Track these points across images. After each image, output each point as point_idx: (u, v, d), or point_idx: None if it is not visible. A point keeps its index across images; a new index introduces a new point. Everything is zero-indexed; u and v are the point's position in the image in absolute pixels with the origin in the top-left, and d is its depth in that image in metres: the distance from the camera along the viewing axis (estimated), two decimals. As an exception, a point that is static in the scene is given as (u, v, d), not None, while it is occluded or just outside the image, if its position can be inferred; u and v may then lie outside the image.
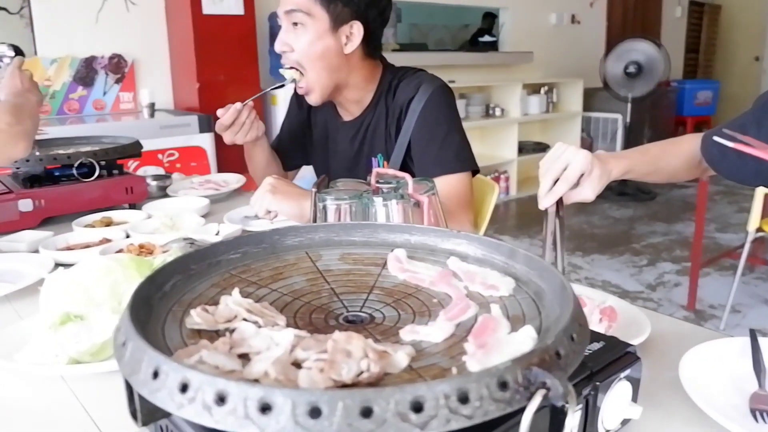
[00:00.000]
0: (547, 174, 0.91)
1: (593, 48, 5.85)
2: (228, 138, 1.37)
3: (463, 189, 1.30)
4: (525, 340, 0.44)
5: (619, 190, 5.10)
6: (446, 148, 1.29)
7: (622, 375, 0.56)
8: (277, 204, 1.15)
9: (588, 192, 0.93)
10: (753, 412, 0.63)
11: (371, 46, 1.30)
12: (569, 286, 0.49)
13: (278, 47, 1.27)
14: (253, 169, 1.52)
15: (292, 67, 1.29)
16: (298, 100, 1.54)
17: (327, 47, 1.25)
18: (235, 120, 1.35)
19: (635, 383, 0.58)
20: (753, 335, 0.75)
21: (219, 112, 1.34)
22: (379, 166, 1.37)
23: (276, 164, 1.52)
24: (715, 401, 0.64)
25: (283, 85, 1.34)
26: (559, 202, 0.90)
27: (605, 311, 0.81)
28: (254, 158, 1.49)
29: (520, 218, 4.69)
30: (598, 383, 0.53)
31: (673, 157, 1.09)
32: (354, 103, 1.38)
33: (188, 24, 3.05)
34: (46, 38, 2.94)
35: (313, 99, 1.31)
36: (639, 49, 4.89)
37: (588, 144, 5.67)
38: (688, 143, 1.09)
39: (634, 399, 0.58)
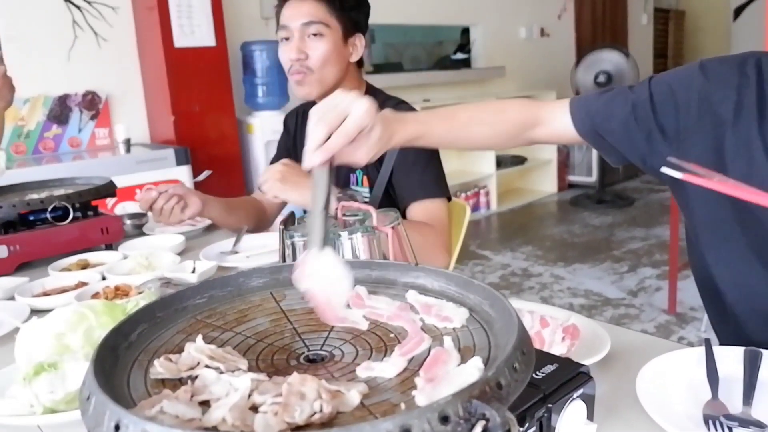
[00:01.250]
0: (320, 123, 0.73)
1: (564, 59, 5.96)
2: (154, 218, 1.44)
3: (443, 214, 1.37)
4: (472, 371, 0.47)
5: (598, 198, 5.17)
6: (429, 174, 1.37)
7: (575, 395, 0.58)
8: (284, 193, 1.20)
9: (360, 154, 0.78)
10: (706, 420, 0.66)
11: (361, 57, 1.43)
12: (515, 314, 0.52)
13: (293, 54, 1.35)
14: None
15: (300, 71, 1.36)
16: (286, 125, 1.62)
17: (340, 55, 1.37)
18: (152, 206, 1.40)
19: (590, 401, 0.61)
20: (708, 345, 0.78)
21: (137, 196, 1.39)
22: (358, 182, 1.42)
23: (239, 214, 1.56)
24: (670, 412, 0.67)
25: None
26: (331, 163, 0.73)
27: (568, 330, 0.83)
28: (210, 218, 1.55)
29: (502, 232, 4.73)
30: (551, 405, 0.56)
31: (487, 126, 0.96)
32: None
33: (160, 57, 3.08)
34: (19, 78, 2.87)
35: (308, 90, 1.38)
36: (607, 59, 4.99)
37: (565, 154, 5.75)
38: (513, 112, 0.97)
39: (590, 417, 0.61)
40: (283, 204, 1.69)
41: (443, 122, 0.93)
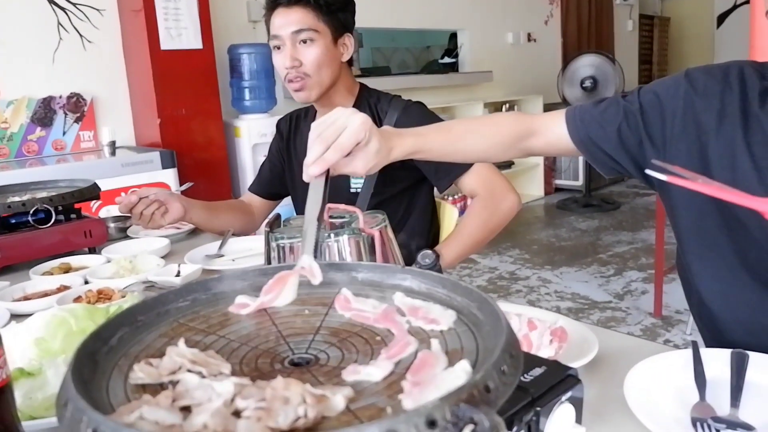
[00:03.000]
0: (318, 139, 0.79)
1: (550, 64, 5.99)
2: (134, 222, 1.47)
3: (487, 171, 1.39)
4: (459, 375, 0.46)
5: (585, 202, 5.20)
6: None
7: (564, 398, 0.58)
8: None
9: (359, 165, 0.83)
10: (694, 422, 0.66)
11: (352, 55, 1.46)
12: (503, 317, 0.51)
13: (288, 63, 1.37)
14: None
15: (297, 77, 1.38)
16: (278, 129, 1.62)
17: (333, 56, 1.40)
18: (132, 210, 1.40)
19: (578, 404, 0.60)
20: (695, 347, 0.78)
21: (117, 199, 1.40)
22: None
23: (223, 218, 1.57)
24: (658, 415, 0.67)
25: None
26: (327, 174, 0.79)
27: (556, 332, 0.83)
28: (194, 223, 1.56)
29: (489, 235, 4.74)
30: (539, 408, 0.55)
31: (482, 137, 0.99)
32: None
33: (146, 60, 3.05)
34: (2, 80, 2.91)
35: (307, 94, 1.41)
36: (593, 64, 5.03)
37: (551, 159, 5.78)
38: (507, 124, 0.99)
39: (578, 420, 0.60)
40: (272, 206, 1.69)
41: (440, 135, 0.95)
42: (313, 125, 0.81)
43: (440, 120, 1.39)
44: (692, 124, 0.89)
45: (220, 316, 0.62)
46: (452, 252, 1.35)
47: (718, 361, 0.76)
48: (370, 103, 1.47)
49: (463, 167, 1.38)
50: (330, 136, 0.79)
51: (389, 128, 0.89)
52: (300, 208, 1.61)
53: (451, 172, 1.39)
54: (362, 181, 1.44)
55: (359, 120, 0.80)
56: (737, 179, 0.85)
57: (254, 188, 1.70)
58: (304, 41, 1.36)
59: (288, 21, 1.35)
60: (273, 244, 0.86)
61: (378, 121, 1.44)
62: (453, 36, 5.74)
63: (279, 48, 1.38)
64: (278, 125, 1.65)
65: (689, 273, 0.98)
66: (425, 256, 1.21)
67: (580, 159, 5.57)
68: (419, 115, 1.43)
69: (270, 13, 1.38)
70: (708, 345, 1.01)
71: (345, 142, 0.79)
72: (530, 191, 5.76)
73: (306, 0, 1.34)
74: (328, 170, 0.78)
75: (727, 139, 0.86)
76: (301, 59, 1.36)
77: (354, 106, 1.45)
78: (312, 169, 0.78)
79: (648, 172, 0.70)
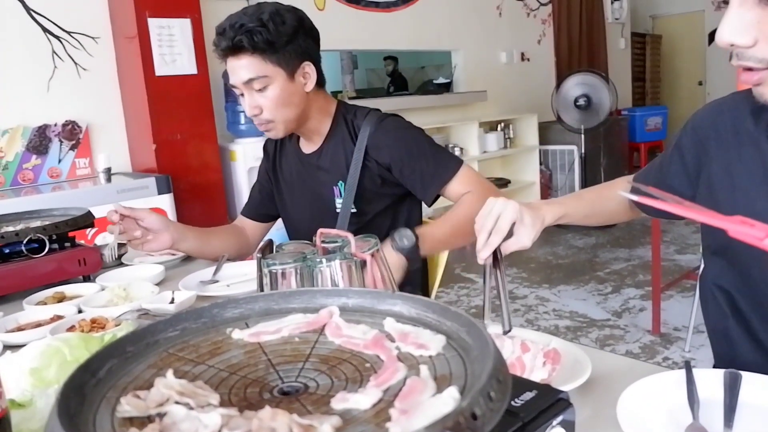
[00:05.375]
0: (482, 229, 0.95)
1: (544, 83, 6.04)
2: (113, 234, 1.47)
3: (473, 175, 1.39)
4: (447, 401, 0.46)
5: (581, 219, 5.20)
6: (437, 156, 1.40)
7: (555, 422, 0.57)
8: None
9: (524, 239, 0.97)
10: (688, 445, 0.66)
11: (319, 75, 1.41)
12: (492, 341, 0.51)
13: (249, 112, 1.37)
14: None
15: (261, 123, 1.40)
16: (265, 150, 1.63)
17: (292, 92, 1.36)
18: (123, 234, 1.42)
19: (570, 428, 0.60)
20: (688, 367, 0.78)
21: (107, 212, 1.40)
22: (341, 193, 1.43)
23: (216, 244, 1.57)
24: (652, 437, 0.66)
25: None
26: (498, 254, 0.94)
27: (549, 354, 0.83)
28: (185, 251, 1.57)
29: (487, 254, 4.73)
30: (530, 433, 0.55)
31: (608, 200, 1.13)
32: (314, 132, 1.48)
33: (141, 86, 3.08)
34: (-3, 109, 2.93)
35: (276, 134, 1.41)
36: (586, 82, 5.07)
37: (547, 176, 5.80)
38: (621, 186, 1.13)
39: (571, 443, 0.60)
40: (265, 228, 1.69)
41: (576, 202, 1.10)
42: (475, 219, 0.96)
43: (419, 130, 1.44)
44: (702, 151, 0.99)
45: (210, 345, 0.62)
46: (435, 237, 1.31)
47: (711, 381, 0.75)
48: (347, 119, 1.45)
49: (450, 172, 1.36)
50: (490, 224, 0.94)
51: (535, 202, 1.03)
52: (291, 228, 1.61)
53: (438, 178, 1.37)
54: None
55: (510, 208, 0.95)
56: (736, 194, 0.91)
57: (246, 212, 1.70)
58: (259, 89, 1.34)
59: (238, 72, 1.33)
60: (265, 270, 0.86)
61: (353, 137, 1.43)
62: (446, 56, 5.80)
63: (242, 95, 1.37)
64: (265, 147, 1.65)
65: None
66: (403, 236, 1.21)
67: (576, 176, 5.59)
68: (395, 128, 1.42)
69: (224, 62, 1.37)
70: (717, 365, 1.02)
71: (503, 226, 0.94)
72: (527, 209, 5.75)
73: (247, 48, 1.30)
74: (496, 252, 0.94)
75: (724, 159, 0.94)
76: (260, 106, 1.35)
77: (331, 125, 1.46)
78: (482, 254, 0.94)
79: (620, 192, 0.74)
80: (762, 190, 0.87)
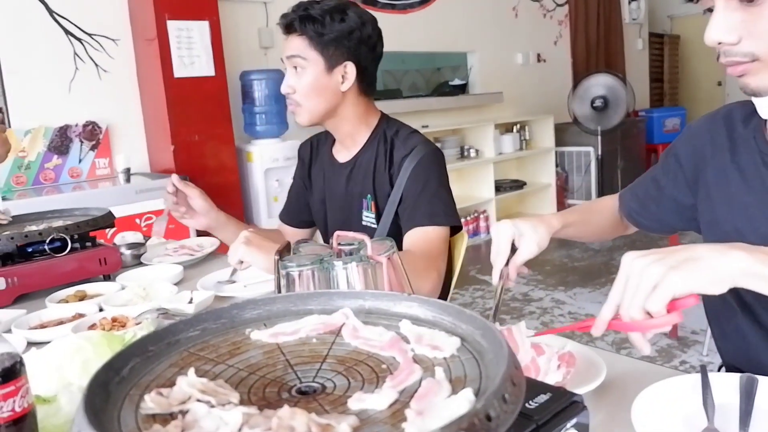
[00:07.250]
0: (495, 259, 1.04)
1: (561, 84, 6.01)
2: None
3: (441, 242, 1.37)
4: (462, 403, 0.47)
5: (597, 221, 5.17)
6: (436, 202, 1.37)
7: (569, 425, 0.58)
8: (249, 255, 1.21)
9: (529, 247, 1.03)
10: (703, 449, 0.66)
11: (365, 83, 1.43)
12: (506, 344, 0.52)
13: (283, 89, 1.42)
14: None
15: (290, 103, 1.43)
16: (300, 156, 1.64)
17: (324, 86, 1.38)
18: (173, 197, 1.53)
19: (584, 430, 0.60)
20: (703, 371, 0.78)
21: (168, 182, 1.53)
22: (367, 207, 1.43)
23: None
24: (666, 441, 0.67)
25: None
26: (500, 277, 1.03)
27: (564, 357, 0.83)
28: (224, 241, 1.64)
29: (502, 255, 4.72)
30: (544, 435, 0.55)
31: (597, 214, 1.20)
32: (348, 138, 1.48)
33: (160, 87, 3.11)
34: (19, 110, 2.98)
35: (300, 119, 1.43)
36: (603, 84, 5.05)
37: (564, 178, 5.77)
38: (609, 201, 1.20)
39: (585, 446, 0.61)
40: (304, 234, 1.68)
41: (572, 216, 1.16)
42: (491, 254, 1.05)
43: (444, 169, 1.43)
44: (699, 157, 1.05)
45: (229, 345, 0.63)
46: None
47: (727, 385, 0.75)
48: (387, 135, 1.44)
49: (428, 221, 1.34)
50: (493, 252, 1.04)
51: (535, 217, 1.08)
52: (323, 234, 1.62)
53: (423, 218, 1.35)
54: (373, 215, 1.44)
55: (501, 226, 1.04)
56: (732, 195, 0.97)
57: (283, 217, 1.71)
58: (296, 68, 1.39)
59: (287, 46, 1.40)
60: (282, 272, 0.87)
61: (387, 155, 1.41)
62: (463, 58, 5.80)
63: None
64: (299, 151, 1.65)
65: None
66: None
67: (593, 178, 5.56)
68: (428, 164, 1.39)
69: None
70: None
71: (502, 247, 1.03)
72: (542, 211, 5.74)
73: (298, 28, 1.37)
74: (501, 274, 1.02)
75: (719, 161, 1.01)
76: (294, 86, 1.40)
77: (369, 137, 1.46)
78: (493, 277, 1.03)
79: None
80: (753, 183, 0.95)
